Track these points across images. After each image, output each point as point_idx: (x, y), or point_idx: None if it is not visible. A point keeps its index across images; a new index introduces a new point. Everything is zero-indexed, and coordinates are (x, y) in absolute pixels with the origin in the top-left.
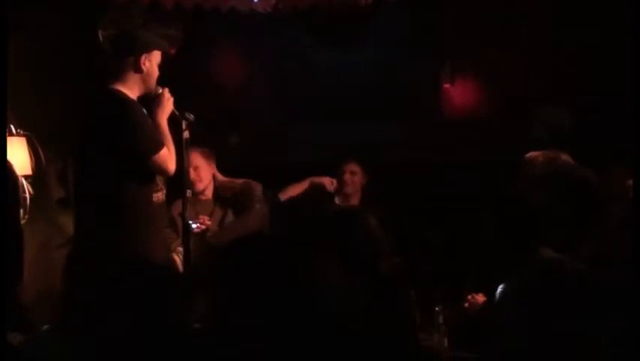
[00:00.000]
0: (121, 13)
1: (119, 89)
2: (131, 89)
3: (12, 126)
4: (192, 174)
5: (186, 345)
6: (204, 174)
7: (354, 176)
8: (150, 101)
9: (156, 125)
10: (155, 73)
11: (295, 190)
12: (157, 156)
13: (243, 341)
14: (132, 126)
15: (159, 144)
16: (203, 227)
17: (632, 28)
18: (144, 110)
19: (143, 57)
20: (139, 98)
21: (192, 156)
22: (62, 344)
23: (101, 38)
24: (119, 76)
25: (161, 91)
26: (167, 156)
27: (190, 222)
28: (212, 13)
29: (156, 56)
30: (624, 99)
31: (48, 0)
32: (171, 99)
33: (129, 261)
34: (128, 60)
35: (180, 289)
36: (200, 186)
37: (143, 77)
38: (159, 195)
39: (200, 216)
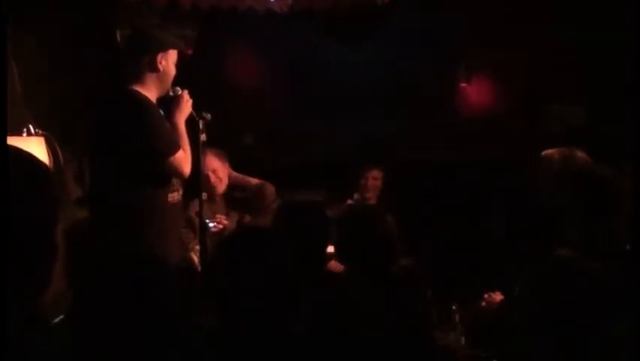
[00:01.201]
0: (137, 13)
1: (135, 89)
2: (148, 89)
3: (30, 126)
4: (212, 177)
5: (200, 345)
6: (222, 175)
7: (376, 181)
8: (169, 101)
9: (173, 127)
10: (172, 72)
11: None
12: (173, 157)
13: (253, 343)
14: (148, 127)
15: (175, 146)
16: (220, 226)
17: None
18: (161, 111)
19: (159, 56)
20: (157, 98)
21: (209, 158)
22: (73, 338)
23: (118, 38)
24: (136, 76)
25: (180, 92)
26: (183, 159)
27: (207, 221)
28: (228, 13)
29: (172, 56)
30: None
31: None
32: (190, 101)
33: (144, 260)
34: (144, 60)
35: (197, 288)
36: (221, 188)
37: (159, 76)
38: (175, 196)
39: (217, 216)
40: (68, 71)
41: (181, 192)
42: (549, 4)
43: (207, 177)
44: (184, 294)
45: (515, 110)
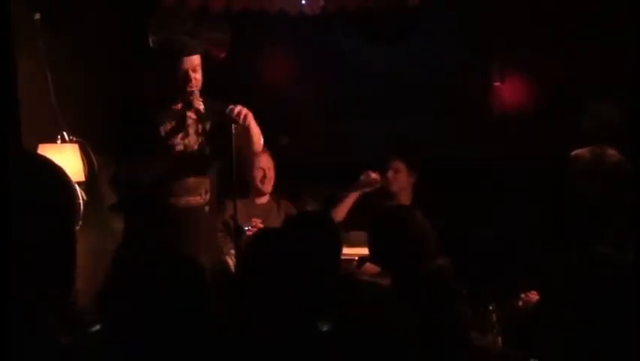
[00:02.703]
0: (170, 18)
1: (159, 91)
2: (168, 92)
3: (65, 133)
4: (268, 174)
5: (234, 347)
6: (273, 174)
7: (398, 174)
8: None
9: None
10: (192, 76)
11: (344, 207)
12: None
13: (275, 341)
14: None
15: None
16: (255, 230)
17: None
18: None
19: (187, 60)
20: (183, 100)
21: (264, 157)
22: (109, 345)
23: (151, 43)
24: (166, 79)
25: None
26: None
27: (242, 225)
28: (260, 15)
29: (193, 60)
30: None
31: (100, 5)
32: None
33: (170, 264)
34: (174, 64)
35: (229, 292)
36: (269, 187)
37: (188, 80)
38: (197, 199)
39: (253, 220)
40: (103, 77)
41: (208, 196)
42: (584, 2)
43: (260, 174)
44: (218, 297)
45: (550, 108)
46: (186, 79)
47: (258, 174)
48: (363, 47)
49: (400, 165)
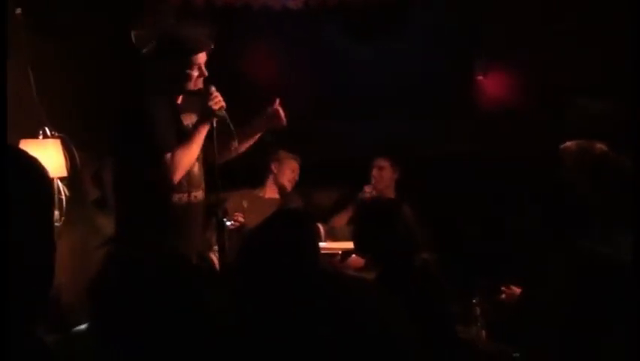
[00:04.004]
0: (153, 14)
1: (146, 87)
2: (163, 88)
3: (47, 129)
4: (292, 177)
5: (218, 343)
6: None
7: (382, 171)
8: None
9: (179, 127)
10: (190, 72)
11: (345, 216)
12: (166, 157)
13: (265, 338)
14: (143, 124)
15: (164, 148)
16: (237, 224)
17: None
18: (174, 111)
19: (175, 58)
20: (176, 96)
21: (291, 160)
22: (96, 343)
23: (133, 39)
24: (150, 75)
25: (212, 97)
26: (170, 163)
27: (224, 219)
28: (243, 10)
29: (201, 57)
30: None
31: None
32: (217, 98)
33: (154, 261)
34: (187, 60)
35: (211, 288)
36: (290, 188)
37: (176, 77)
38: (184, 196)
39: (235, 214)
40: (85, 73)
41: (198, 193)
42: None
43: (292, 177)
44: (201, 292)
45: (538, 102)
46: (200, 73)
47: (292, 179)
48: (346, 42)
49: (384, 163)
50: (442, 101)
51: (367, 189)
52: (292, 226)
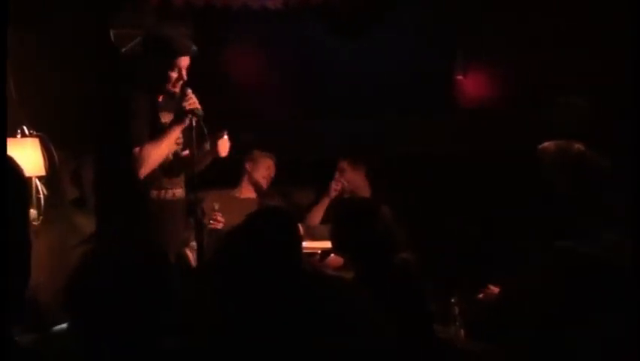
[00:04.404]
0: (132, 13)
1: (128, 87)
2: (142, 86)
3: (24, 127)
4: (267, 174)
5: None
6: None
7: (343, 173)
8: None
9: (155, 125)
10: (171, 75)
11: (319, 212)
12: (135, 151)
13: (246, 339)
14: (119, 118)
15: (134, 142)
16: (216, 223)
17: None
18: (153, 108)
19: (159, 58)
20: (152, 95)
21: (268, 162)
22: (74, 342)
23: (112, 37)
24: (129, 73)
25: (186, 98)
26: (138, 156)
27: (202, 217)
28: (223, 10)
29: (183, 61)
30: None
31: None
32: (192, 99)
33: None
34: (171, 61)
35: (184, 283)
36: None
37: (156, 76)
38: (162, 193)
39: (214, 213)
40: (64, 71)
41: (177, 191)
42: None
43: (269, 176)
44: (176, 289)
45: (517, 101)
46: (180, 76)
47: (267, 176)
48: (327, 41)
49: (345, 165)
50: (421, 100)
51: (334, 186)
52: (277, 224)
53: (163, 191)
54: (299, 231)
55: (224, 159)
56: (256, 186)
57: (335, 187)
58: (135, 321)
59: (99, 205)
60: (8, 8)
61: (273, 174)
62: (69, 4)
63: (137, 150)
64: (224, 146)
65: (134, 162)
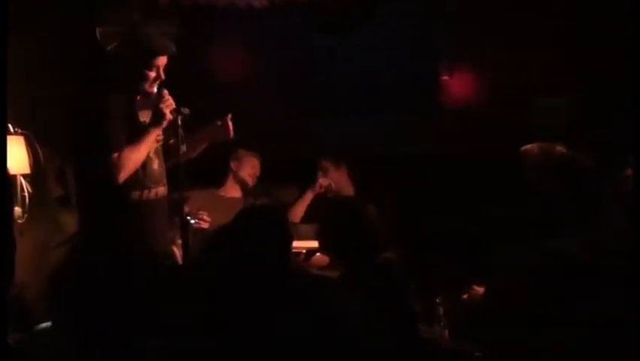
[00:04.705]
0: (119, 11)
1: (106, 86)
2: (120, 86)
3: (10, 125)
4: (253, 172)
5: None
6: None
7: (326, 172)
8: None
9: (134, 124)
10: (149, 74)
11: (301, 208)
12: (115, 156)
13: (235, 337)
14: (97, 124)
15: (113, 147)
16: (202, 223)
17: (635, 21)
18: (131, 109)
19: (136, 57)
20: (130, 96)
21: (253, 161)
22: (58, 341)
23: (98, 35)
24: (111, 72)
25: (163, 100)
26: (116, 163)
27: (188, 217)
28: (209, 8)
29: (161, 60)
30: (626, 91)
31: None
32: (169, 100)
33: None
34: (149, 61)
35: (171, 282)
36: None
37: (134, 75)
38: (144, 193)
39: (200, 212)
40: (49, 69)
41: (160, 189)
42: None
43: (255, 175)
44: (163, 286)
45: (501, 102)
46: (157, 76)
47: (253, 175)
48: (313, 40)
49: (328, 165)
50: (407, 100)
51: (322, 182)
52: (270, 222)
53: (146, 191)
54: (290, 230)
55: (210, 157)
56: (242, 185)
57: (322, 183)
58: (120, 320)
59: (81, 206)
60: (8, 8)
61: (258, 173)
62: (57, 3)
63: (115, 155)
64: (228, 128)
65: (113, 168)
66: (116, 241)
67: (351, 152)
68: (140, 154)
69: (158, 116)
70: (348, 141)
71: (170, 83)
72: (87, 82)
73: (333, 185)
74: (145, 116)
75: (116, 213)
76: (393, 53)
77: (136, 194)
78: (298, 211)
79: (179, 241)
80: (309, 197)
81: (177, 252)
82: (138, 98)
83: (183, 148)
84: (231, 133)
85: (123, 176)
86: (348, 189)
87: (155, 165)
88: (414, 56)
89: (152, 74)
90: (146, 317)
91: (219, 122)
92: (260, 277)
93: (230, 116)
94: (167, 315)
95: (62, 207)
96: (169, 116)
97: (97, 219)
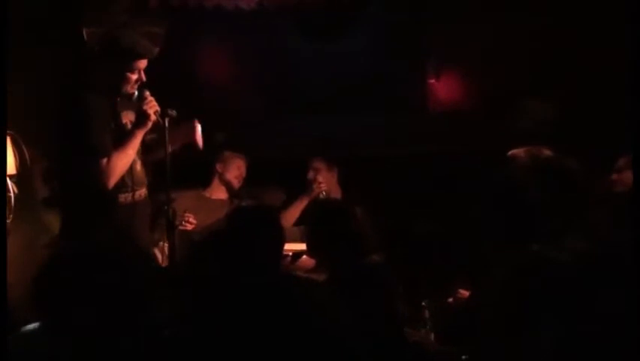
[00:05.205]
0: (106, 11)
1: (89, 87)
2: (104, 89)
3: None
4: (238, 173)
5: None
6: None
7: (319, 172)
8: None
9: (116, 126)
10: (133, 76)
11: (295, 212)
12: (104, 161)
13: (217, 339)
14: (81, 127)
15: (101, 153)
16: (187, 225)
17: (617, 24)
18: (113, 111)
19: (117, 59)
20: (117, 98)
21: (239, 162)
22: (48, 341)
23: (85, 36)
24: (94, 73)
25: (144, 95)
26: (105, 168)
27: (173, 218)
28: (196, 10)
29: (142, 62)
30: (611, 94)
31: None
32: (152, 102)
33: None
34: (131, 63)
35: (154, 284)
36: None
37: (116, 77)
38: (128, 196)
39: (185, 214)
40: (35, 69)
41: (142, 191)
42: None
43: (240, 176)
44: (146, 288)
45: (485, 105)
46: (139, 78)
47: (239, 176)
48: (300, 42)
49: (320, 165)
50: (393, 102)
51: (319, 184)
52: (265, 223)
53: (130, 194)
54: (283, 230)
55: (197, 155)
56: (228, 187)
57: (320, 186)
58: (102, 322)
59: (65, 208)
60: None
61: (244, 174)
62: (42, 3)
63: (104, 161)
64: (198, 133)
65: (101, 174)
66: (101, 243)
67: (338, 153)
68: (128, 158)
69: (142, 118)
70: (335, 143)
71: (155, 83)
72: (71, 83)
73: (325, 187)
74: (126, 118)
75: (101, 215)
76: (380, 55)
77: (122, 197)
78: (291, 216)
79: (161, 244)
80: (303, 201)
81: (160, 255)
82: (118, 99)
83: (169, 149)
84: (199, 142)
85: (113, 181)
86: (336, 191)
87: (138, 165)
88: (401, 58)
89: (135, 76)
90: (131, 317)
91: (188, 126)
92: (248, 276)
93: (196, 120)
94: (151, 314)
95: (48, 207)
96: (153, 117)
97: (82, 221)
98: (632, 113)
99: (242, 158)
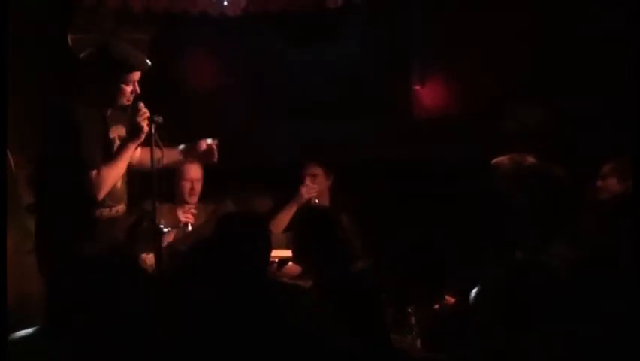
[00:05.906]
0: (90, 18)
1: (77, 97)
2: (94, 100)
3: None
4: (195, 187)
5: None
6: (200, 186)
7: (316, 178)
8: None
9: (105, 140)
10: (126, 89)
11: (285, 219)
12: (93, 174)
13: (205, 344)
14: (70, 138)
15: (90, 165)
16: (189, 217)
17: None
18: (103, 124)
19: (113, 71)
20: (107, 109)
21: (194, 168)
22: (32, 348)
23: (70, 43)
24: (83, 83)
25: (140, 113)
26: (95, 181)
27: (161, 226)
28: (182, 16)
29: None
30: (600, 97)
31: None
32: (146, 114)
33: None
34: (126, 75)
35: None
36: (194, 199)
37: (112, 91)
38: (105, 211)
39: (185, 214)
40: (21, 74)
41: (120, 207)
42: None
43: (187, 186)
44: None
45: (472, 110)
46: (134, 90)
47: (186, 186)
48: (286, 49)
49: (317, 170)
50: (379, 107)
51: (309, 190)
52: (250, 230)
53: (107, 209)
54: (270, 237)
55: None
56: (181, 200)
57: (310, 192)
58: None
59: (42, 217)
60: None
61: (199, 181)
62: (28, 6)
63: (94, 173)
64: (213, 153)
65: (91, 187)
66: (77, 253)
67: (325, 159)
68: (119, 170)
69: (136, 130)
70: (322, 149)
71: (143, 92)
72: (59, 92)
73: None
74: (115, 132)
75: (78, 229)
76: (366, 61)
77: (98, 212)
78: (280, 223)
79: (145, 255)
80: (292, 208)
81: (147, 262)
82: (109, 112)
83: (159, 154)
84: (216, 158)
85: (102, 194)
86: (324, 198)
87: (119, 183)
88: (388, 64)
89: (129, 88)
90: (119, 324)
91: (204, 145)
92: (235, 282)
93: (216, 141)
94: (139, 321)
95: (33, 214)
96: (146, 129)
97: (57, 230)
98: (631, 114)
99: (193, 166)
